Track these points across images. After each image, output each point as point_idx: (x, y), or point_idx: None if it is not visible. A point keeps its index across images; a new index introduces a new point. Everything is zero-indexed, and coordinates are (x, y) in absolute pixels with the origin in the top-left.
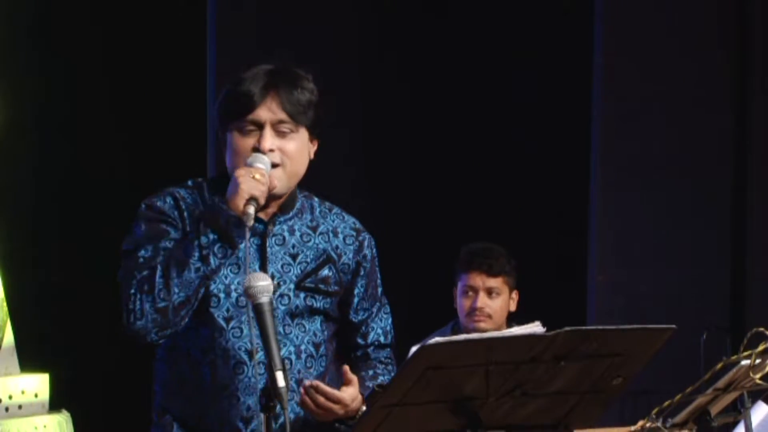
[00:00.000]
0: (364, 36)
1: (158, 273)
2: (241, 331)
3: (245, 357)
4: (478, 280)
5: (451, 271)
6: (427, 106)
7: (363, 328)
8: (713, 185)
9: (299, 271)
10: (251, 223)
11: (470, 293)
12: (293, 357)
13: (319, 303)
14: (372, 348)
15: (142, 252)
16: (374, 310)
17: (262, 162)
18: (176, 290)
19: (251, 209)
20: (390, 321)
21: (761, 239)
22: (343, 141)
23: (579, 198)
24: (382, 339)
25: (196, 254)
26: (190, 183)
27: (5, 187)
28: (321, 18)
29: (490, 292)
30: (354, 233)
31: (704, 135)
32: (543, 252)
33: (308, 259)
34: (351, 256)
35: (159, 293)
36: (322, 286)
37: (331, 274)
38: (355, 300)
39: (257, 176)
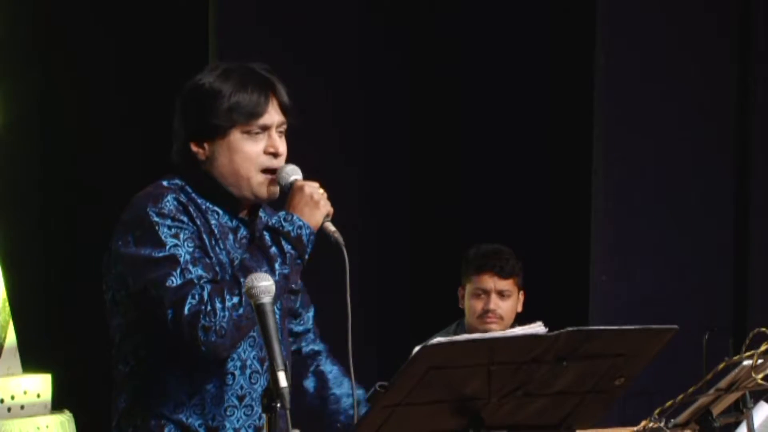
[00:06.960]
0: (364, 35)
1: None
2: (255, 340)
3: (258, 366)
4: (490, 282)
5: (456, 272)
6: (427, 106)
7: (298, 311)
8: (716, 185)
9: None
10: (342, 239)
11: (482, 295)
12: (287, 361)
13: (292, 303)
14: (311, 337)
15: (184, 263)
16: (303, 295)
17: (297, 173)
18: None
19: (332, 226)
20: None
21: (764, 239)
22: (341, 140)
23: (581, 198)
24: (311, 325)
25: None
26: (166, 184)
27: (8, 187)
28: (321, 17)
29: (501, 294)
30: None
31: (706, 135)
32: (545, 252)
33: None
34: None
35: (245, 311)
36: (293, 286)
37: None
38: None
39: (321, 191)
